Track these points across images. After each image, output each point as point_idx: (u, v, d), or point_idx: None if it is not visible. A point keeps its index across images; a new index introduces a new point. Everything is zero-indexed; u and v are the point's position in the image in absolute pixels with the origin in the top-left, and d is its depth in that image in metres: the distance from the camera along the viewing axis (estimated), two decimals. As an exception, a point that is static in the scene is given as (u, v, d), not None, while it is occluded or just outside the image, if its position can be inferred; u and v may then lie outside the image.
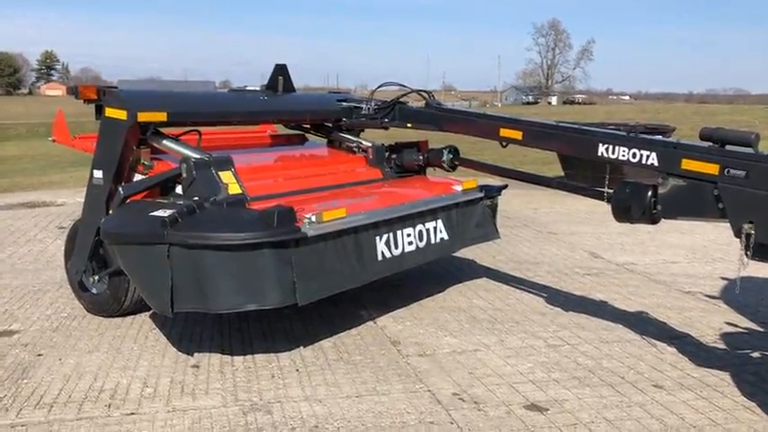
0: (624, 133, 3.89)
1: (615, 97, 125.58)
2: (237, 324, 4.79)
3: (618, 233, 8.07)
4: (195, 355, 4.27)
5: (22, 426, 3.34)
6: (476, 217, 5.40)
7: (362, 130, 5.97)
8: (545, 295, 5.63)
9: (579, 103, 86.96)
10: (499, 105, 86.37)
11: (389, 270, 4.57)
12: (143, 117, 4.28)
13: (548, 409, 3.60)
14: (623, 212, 3.82)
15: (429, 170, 5.81)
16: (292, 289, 3.82)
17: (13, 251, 6.94)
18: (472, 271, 6.34)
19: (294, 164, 5.43)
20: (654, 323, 5.03)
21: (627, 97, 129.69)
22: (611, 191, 3.94)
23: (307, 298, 3.89)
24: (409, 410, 3.56)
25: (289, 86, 5.44)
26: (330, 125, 5.91)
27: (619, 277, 6.29)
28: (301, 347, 4.40)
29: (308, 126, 6.11)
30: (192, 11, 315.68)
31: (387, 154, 5.64)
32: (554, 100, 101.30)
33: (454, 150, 5.52)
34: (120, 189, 4.31)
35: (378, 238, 4.44)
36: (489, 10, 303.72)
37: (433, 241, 4.90)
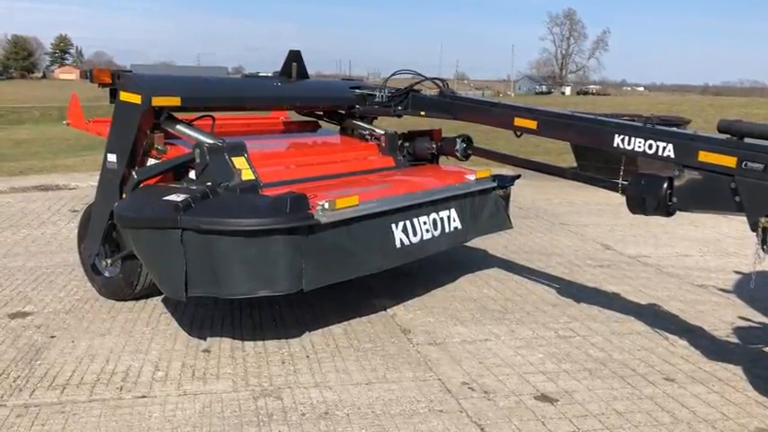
0: (640, 124, 3.85)
1: (629, 88, 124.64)
2: (249, 309, 4.81)
3: (630, 225, 8.02)
4: (206, 339, 4.29)
5: (36, 406, 3.38)
6: (489, 207, 5.38)
7: (375, 118, 5.95)
8: (556, 286, 5.61)
9: (593, 94, 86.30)
10: (512, 95, 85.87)
11: (406, 258, 4.56)
12: (157, 101, 4.28)
13: (558, 400, 3.60)
14: (638, 204, 3.79)
15: (442, 159, 5.78)
16: (304, 275, 3.82)
17: (26, 233, 6.99)
18: (483, 261, 6.32)
19: (307, 151, 5.42)
20: (666, 316, 5.00)
21: (641, 88, 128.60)
22: (626, 182, 3.91)
23: (317, 283, 3.90)
24: (419, 398, 3.57)
25: (302, 73, 5.42)
26: (343, 112, 5.90)
27: (631, 269, 6.26)
28: (312, 334, 4.41)
29: (321, 113, 6.10)
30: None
31: (399, 142, 5.62)
32: (567, 90, 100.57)
33: (467, 139, 5.49)
34: (134, 173, 4.34)
35: (394, 225, 4.43)
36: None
37: (447, 230, 4.88)
